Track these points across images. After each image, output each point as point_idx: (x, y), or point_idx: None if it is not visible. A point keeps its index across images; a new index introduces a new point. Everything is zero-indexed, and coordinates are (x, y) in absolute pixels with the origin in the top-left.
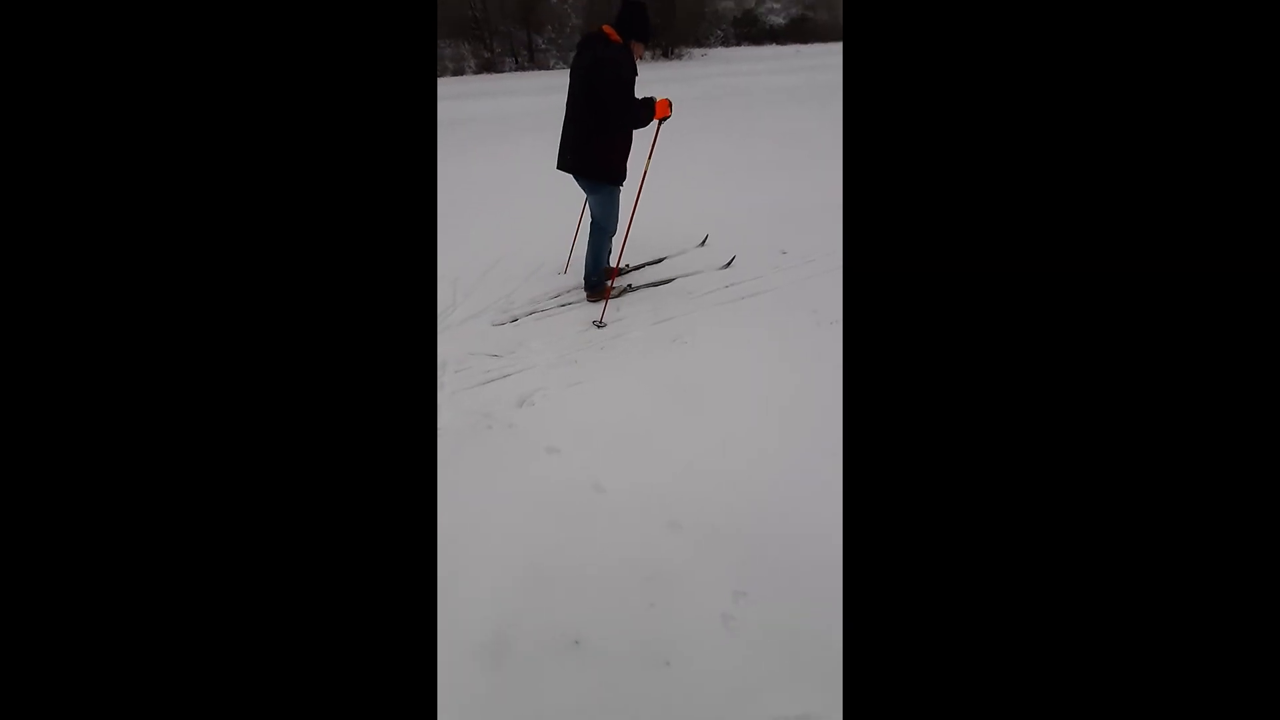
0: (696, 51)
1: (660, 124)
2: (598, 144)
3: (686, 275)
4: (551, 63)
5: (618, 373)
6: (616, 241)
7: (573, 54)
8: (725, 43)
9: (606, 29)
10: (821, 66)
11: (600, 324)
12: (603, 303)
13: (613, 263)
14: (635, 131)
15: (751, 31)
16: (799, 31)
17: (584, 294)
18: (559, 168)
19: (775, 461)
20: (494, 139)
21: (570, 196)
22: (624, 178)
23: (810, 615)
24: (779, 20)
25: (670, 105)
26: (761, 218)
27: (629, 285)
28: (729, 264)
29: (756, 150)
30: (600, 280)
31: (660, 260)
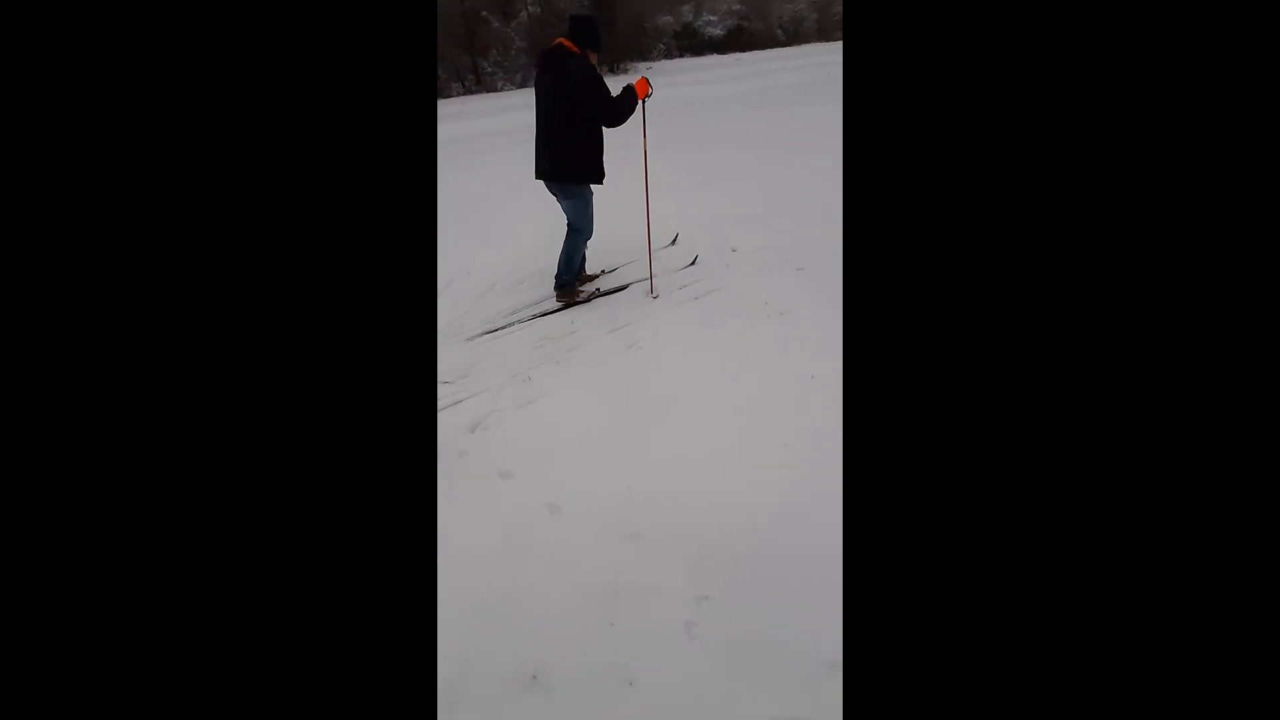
0: (641, 65)
1: (644, 103)
2: (573, 150)
3: (642, 280)
4: (499, 85)
5: (573, 387)
6: (620, 241)
7: (520, 74)
8: (668, 55)
9: (564, 41)
10: (761, 73)
11: (654, 295)
12: (649, 279)
13: (590, 269)
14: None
15: (692, 43)
16: (736, 41)
17: (538, 309)
18: (537, 176)
19: (733, 460)
20: (442, 164)
21: (523, 214)
22: (602, 177)
23: (774, 613)
24: (717, 32)
25: (648, 82)
26: (713, 220)
27: (597, 289)
28: (694, 262)
29: (706, 157)
30: (571, 281)
31: (615, 269)
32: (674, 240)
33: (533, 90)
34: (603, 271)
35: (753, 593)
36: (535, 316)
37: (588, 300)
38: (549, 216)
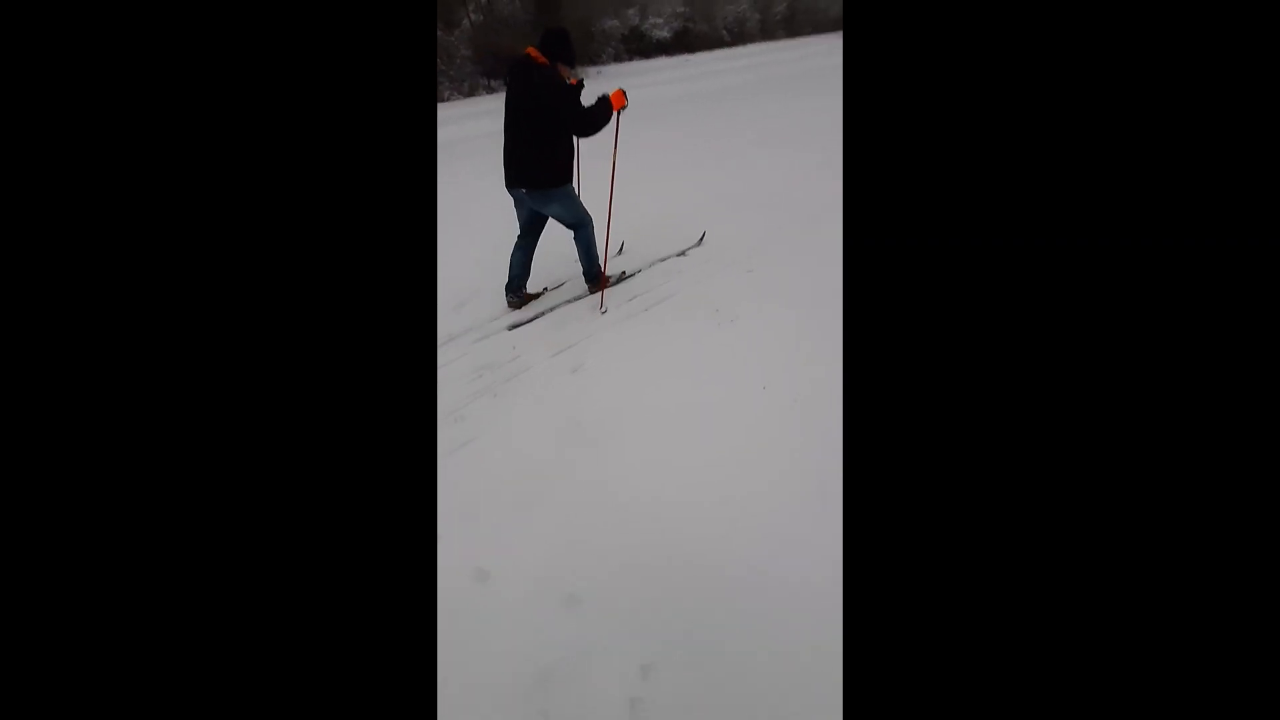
0: (592, 69)
1: (619, 115)
2: (545, 158)
3: (588, 295)
4: (447, 94)
5: (509, 424)
6: (542, 250)
7: (468, 83)
8: (617, 58)
9: (532, 51)
10: (710, 73)
11: (603, 310)
12: (600, 293)
13: (531, 288)
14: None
15: (640, 45)
16: (683, 43)
17: (474, 338)
18: (509, 187)
19: (681, 494)
20: None
21: (469, 232)
22: (570, 177)
23: (726, 672)
24: (664, 34)
25: (624, 94)
26: (662, 221)
27: (624, 272)
28: (701, 240)
29: (655, 157)
30: (598, 271)
31: (561, 284)
32: (620, 250)
33: (483, 98)
34: (545, 289)
35: (703, 649)
36: (474, 346)
37: (618, 282)
38: (494, 233)
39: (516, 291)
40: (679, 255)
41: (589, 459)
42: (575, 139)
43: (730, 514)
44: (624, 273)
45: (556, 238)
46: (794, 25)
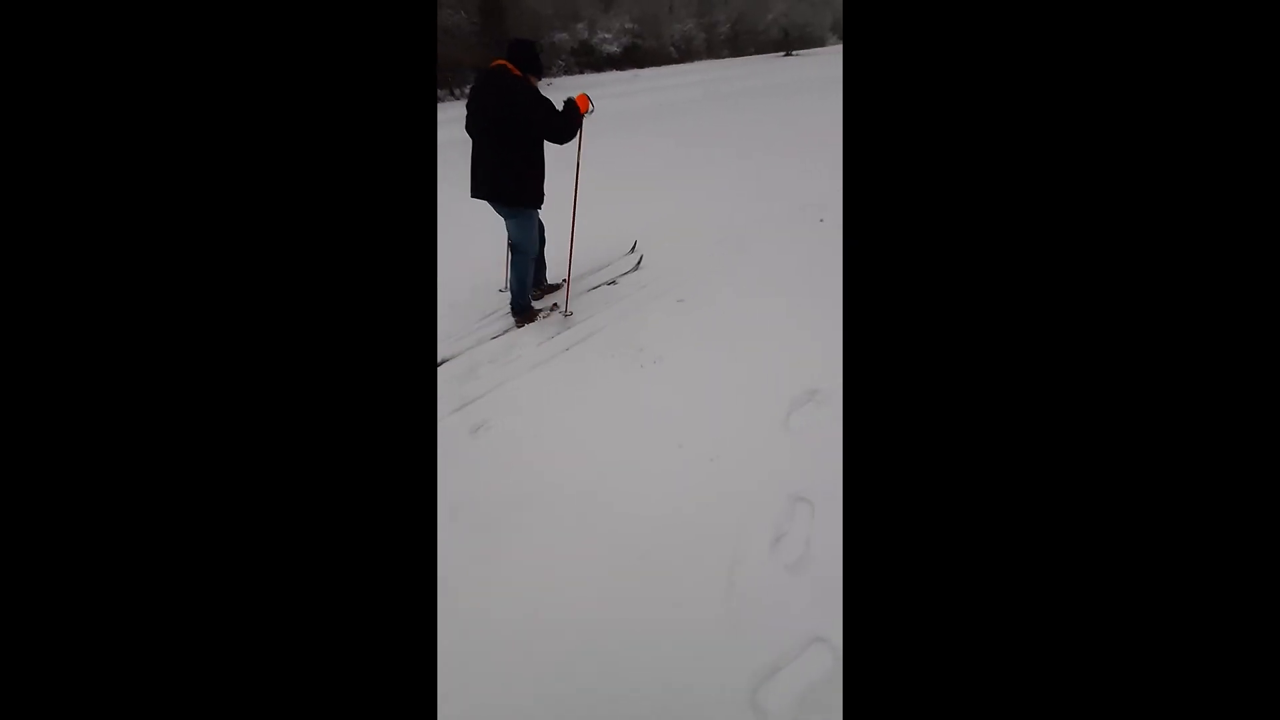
0: (542, 82)
1: (584, 120)
2: (517, 171)
3: (509, 331)
4: None
5: None
6: (559, 256)
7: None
8: (568, 71)
9: (506, 64)
10: (659, 88)
11: (556, 313)
12: (524, 326)
13: (551, 278)
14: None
15: (591, 59)
16: (632, 58)
17: None
18: (474, 196)
19: (578, 615)
20: None
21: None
22: (542, 201)
23: None
24: (614, 49)
25: (589, 99)
26: (598, 245)
27: (554, 305)
28: (632, 267)
29: (599, 176)
30: (527, 304)
31: (490, 316)
32: (633, 248)
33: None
34: (564, 280)
35: None
36: None
37: (548, 315)
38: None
39: (537, 284)
40: (610, 284)
41: (474, 556)
42: (544, 158)
43: (640, 637)
44: (555, 305)
45: (555, 242)
46: (738, 45)
